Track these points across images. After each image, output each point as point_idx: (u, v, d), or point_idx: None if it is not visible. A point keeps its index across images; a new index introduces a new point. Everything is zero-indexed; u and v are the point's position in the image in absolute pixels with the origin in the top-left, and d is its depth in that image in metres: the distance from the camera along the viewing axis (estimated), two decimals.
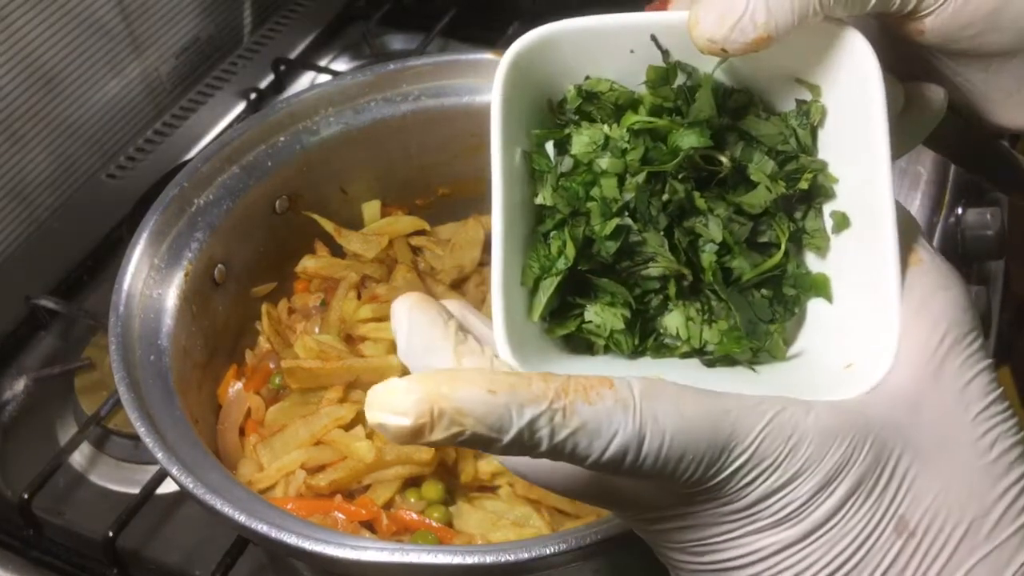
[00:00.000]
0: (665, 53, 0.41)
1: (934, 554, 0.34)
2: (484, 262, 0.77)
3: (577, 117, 0.43)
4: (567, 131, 0.42)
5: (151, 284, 0.65)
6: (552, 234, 0.41)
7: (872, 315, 0.38)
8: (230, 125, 1.08)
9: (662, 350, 0.41)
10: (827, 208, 0.42)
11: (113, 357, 0.60)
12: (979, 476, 0.35)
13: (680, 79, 0.42)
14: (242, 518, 0.52)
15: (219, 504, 0.53)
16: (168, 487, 0.76)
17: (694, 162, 0.41)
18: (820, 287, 0.41)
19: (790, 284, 0.42)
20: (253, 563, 0.72)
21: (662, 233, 0.41)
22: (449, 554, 0.50)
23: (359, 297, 0.74)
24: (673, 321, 0.41)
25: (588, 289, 0.41)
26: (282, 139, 0.74)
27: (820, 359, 0.40)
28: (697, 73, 0.42)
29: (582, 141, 0.42)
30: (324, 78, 1.12)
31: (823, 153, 0.42)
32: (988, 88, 0.42)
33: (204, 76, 1.16)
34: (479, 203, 0.77)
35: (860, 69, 0.39)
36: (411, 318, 0.38)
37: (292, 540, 0.51)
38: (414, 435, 0.32)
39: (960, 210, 0.94)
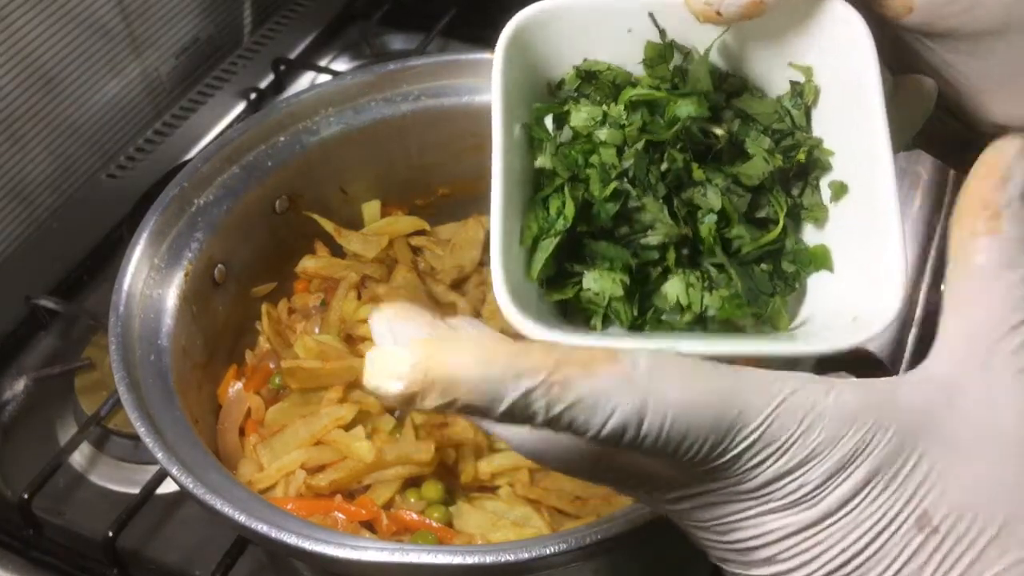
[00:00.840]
0: (662, 32, 0.42)
1: (958, 554, 0.33)
2: (484, 262, 0.77)
3: (576, 94, 0.43)
4: (566, 107, 0.43)
5: (151, 284, 0.65)
6: (551, 197, 0.41)
7: (878, 265, 0.37)
8: (230, 125, 1.08)
9: (661, 326, 0.41)
10: (824, 181, 0.42)
11: (113, 357, 0.60)
12: (1020, 475, 0.33)
13: (676, 60, 0.42)
14: (242, 518, 0.52)
15: (219, 504, 0.53)
16: (168, 487, 0.76)
17: (691, 133, 0.41)
18: (820, 259, 0.41)
19: (789, 260, 0.42)
20: (253, 563, 0.72)
21: (661, 200, 0.40)
22: (449, 554, 0.50)
23: (359, 297, 0.74)
24: (673, 288, 0.41)
25: (586, 257, 0.41)
26: (282, 139, 0.74)
27: (824, 324, 0.39)
28: (692, 56, 0.42)
29: (581, 116, 0.42)
30: (324, 78, 1.12)
31: (818, 131, 0.42)
32: (979, 78, 0.42)
33: (204, 76, 1.16)
34: (479, 203, 0.77)
35: (849, 33, 0.39)
36: (394, 329, 0.36)
37: (292, 540, 0.51)
38: (406, 401, 0.31)
39: None
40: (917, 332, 0.85)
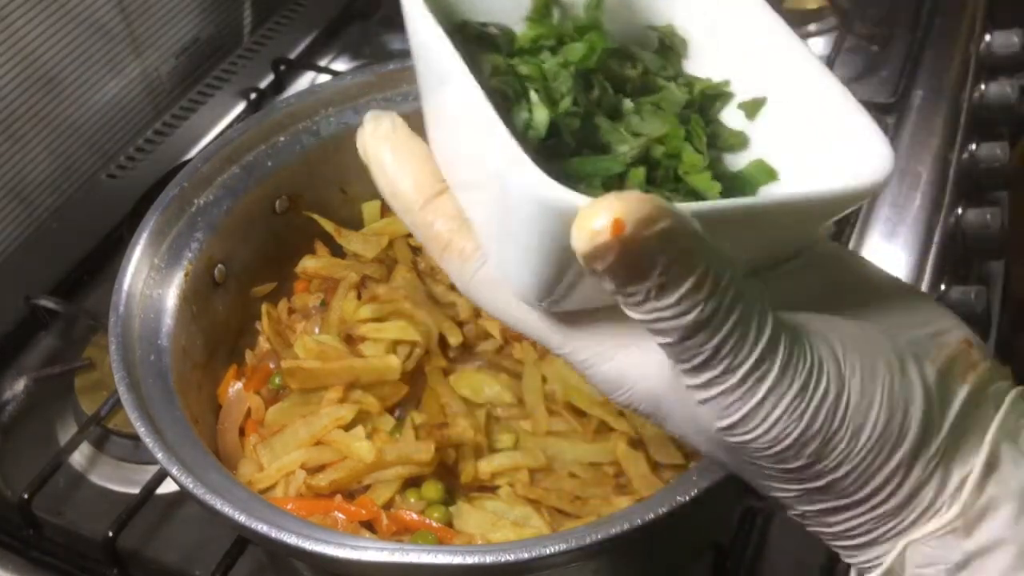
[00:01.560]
0: None
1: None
2: None
3: (474, 47, 0.42)
4: (470, 56, 0.40)
5: (151, 284, 0.65)
6: (512, 112, 0.39)
7: (845, 131, 0.38)
8: (230, 125, 1.08)
9: None
10: (728, 111, 0.42)
11: (113, 357, 0.60)
12: None
13: (556, 16, 0.42)
14: (242, 518, 0.52)
15: (219, 504, 0.53)
16: (168, 487, 0.76)
17: (609, 67, 0.40)
18: (759, 173, 0.41)
19: (727, 187, 0.41)
20: (253, 563, 0.72)
21: (612, 120, 0.40)
22: (449, 554, 0.50)
23: (359, 297, 0.74)
24: None
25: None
26: (282, 139, 0.74)
27: None
28: (569, 14, 0.42)
29: (485, 63, 0.40)
30: (324, 78, 1.12)
31: (700, 73, 0.43)
32: None
33: (204, 76, 1.16)
34: None
35: None
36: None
37: (292, 540, 0.51)
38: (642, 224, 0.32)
39: (960, 210, 0.94)
40: None
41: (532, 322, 0.40)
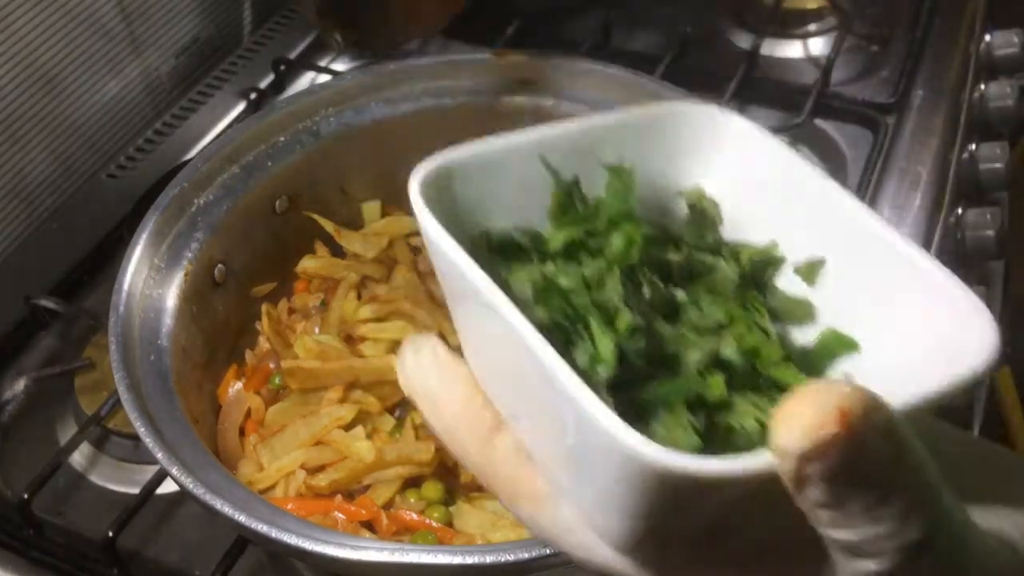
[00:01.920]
0: (556, 173, 0.36)
1: None
2: None
3: (499, 261, 0.36)
4: (500, 270, 0.35)
5: (151, 284, 0.65)
6: (573, 350, 0.33)
7: (928, 297, 0.33)
8: (230, 125, 1.08)
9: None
10: (781, 277, 0.37)
11: (113, 357, 0.60)
12: None
13: (579, 204, 0.37)
14: (242, 518, 0.52)
15: (219, 504, 0.53)
16: (168, 487, 0.76)
17: (652, 257, 0.35)
18: (836, 346, 0.35)
19: (804, 367, 0.35)
20: (253, 563, 0.72)
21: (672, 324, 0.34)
22: (449, 554, 0.50)
23: (359, 297, 0.74)
24: (745, 413, 0.33)
25: (636, 416, 0.32)
26: (282, 139, 0.74)
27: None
28: (589, 202, 0.37)
29: (520, 278, 0.35)
30: (324, 78, 1.12)
31: (739, 237, 0.39)
32: None
33: (204, 76, 1.16)
34: None
35: (736, 130, 0.37)
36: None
37: (292, 540, 0.51)
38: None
39: (960, 210, 0.94)
40: None
41: (630, 567, 0.33)
